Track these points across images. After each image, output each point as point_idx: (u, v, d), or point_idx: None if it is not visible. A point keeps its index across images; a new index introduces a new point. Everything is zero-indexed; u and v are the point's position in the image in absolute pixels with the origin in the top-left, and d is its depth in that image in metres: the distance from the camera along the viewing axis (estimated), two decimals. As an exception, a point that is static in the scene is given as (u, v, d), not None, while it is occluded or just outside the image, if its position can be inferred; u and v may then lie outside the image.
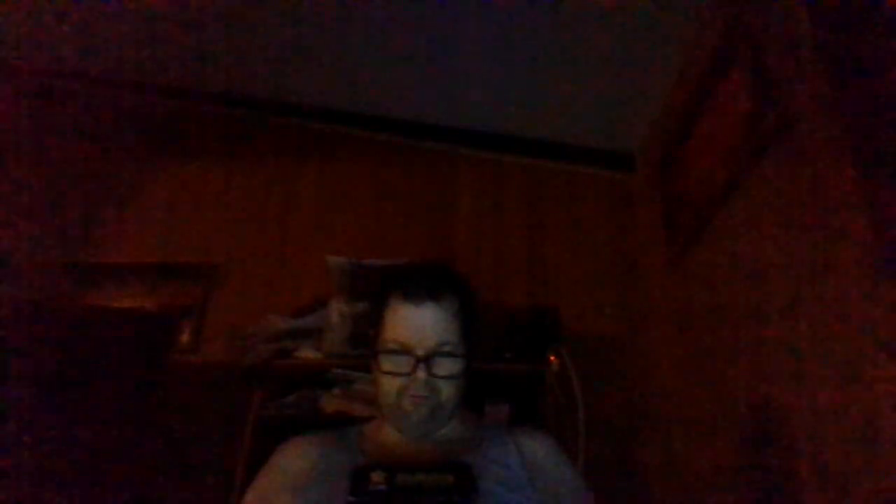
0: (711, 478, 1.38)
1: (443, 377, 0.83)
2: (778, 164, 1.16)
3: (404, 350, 0.83)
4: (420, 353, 0.83)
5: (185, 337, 2.17)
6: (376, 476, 0.66)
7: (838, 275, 0.94)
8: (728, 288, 1.37)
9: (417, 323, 0.84)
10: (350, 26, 2.01)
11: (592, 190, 2.29)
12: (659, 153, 1.91)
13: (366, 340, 0.92)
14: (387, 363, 0.84)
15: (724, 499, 1.30)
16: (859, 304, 0.89)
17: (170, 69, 2.49)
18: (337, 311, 1.76)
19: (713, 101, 1.49)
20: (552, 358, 1.71)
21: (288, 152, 2.56)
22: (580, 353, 1.75)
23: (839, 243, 0.94)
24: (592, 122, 2.15)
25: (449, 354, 0.84)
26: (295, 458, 0.87)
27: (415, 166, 2.46)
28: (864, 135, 0.91)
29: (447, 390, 0.84)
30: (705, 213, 1.49)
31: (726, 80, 1.40)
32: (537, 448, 0.87)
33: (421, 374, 0.82)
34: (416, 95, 2.31)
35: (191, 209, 2.47)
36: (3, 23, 2.33)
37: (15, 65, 2.59)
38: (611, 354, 1.99)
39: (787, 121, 1.12)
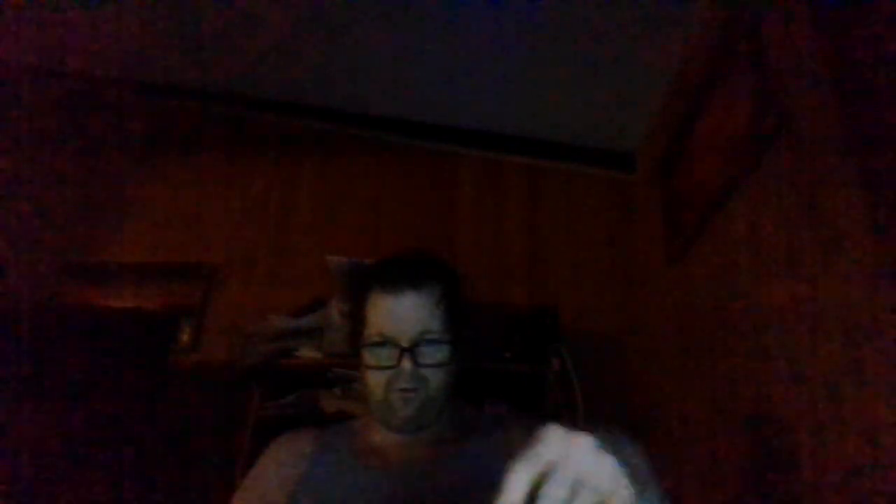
0: (711, 478, 1.38)
1: (429, 366, 0.82)
2: (778, 164, 1.16)
3: (388, 342, 0.81)
4: (404, 343, 0.81)
5: (185, 337, 2.17)
6: None
7: (838, 275, 0.94)
8: (728, 288, 1.37)
9: (399, 312, 0.82)
10: (350, 26, 2.01)
11: (592, 190, 2.29)
12: (659, 153, 1.91)
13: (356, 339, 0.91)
14: (371, 357, 0.83)
15: (724, 498, 1.30)
16: (859, 305, 0.89)
17: (170, 69, 2.49)
18: (337, 310, 1.76)
19: (713, 101, 1.49)
20: (552, 358, 1.71)
21: (288, 152, 2.56)
22: (580, 353, 1.75)
23: (839, 243, 0.94)
24: (592, 122, 2.15)
25: (434, 342, 0.82)
26: (287, 459, 0.86)
27: (415, 166, 2.46)
28: (864, 135, 0.91)
29: (435, 380, 0.83)
30: (705, 212, 1.49)
31: (726, 79, 1.40)
32: (532, 435, 0.86)
33: (406, 364, 0.80)
34: (416, 95, 2.31)
35: (191, 209, 2.47)
36: (4, 23, 2.33)
37: (15, 65, 2.59)
38: (611, 354, 1.99)
39: (787, 121, 1.12)
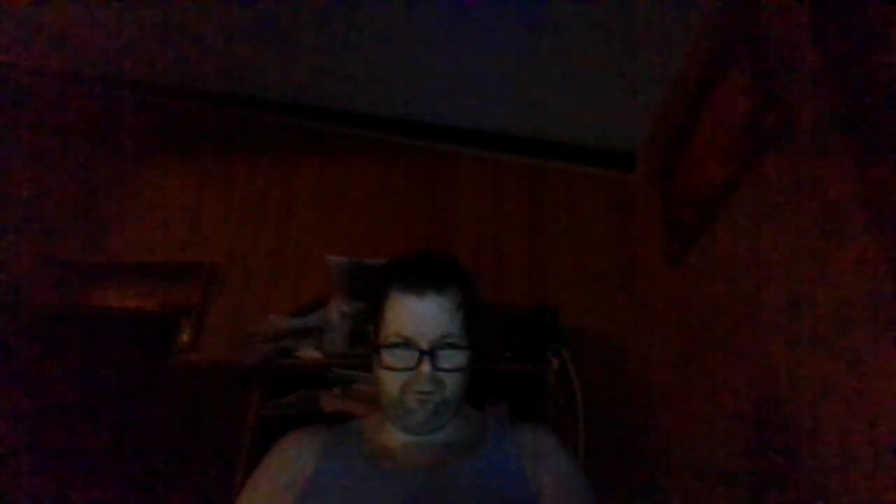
0: (711, 477, 1.38)
1: (448, 370, 0.81)
2: (778, 164, 1.16)
3: (407, 343, 0.80)
4: (424, 345, 0.80)
5: (185, 337, 2.17)
6: None
7: (838, 275, 0.94)
8: (728, 287, 1.37)
9: (420, 315, 0.81)
10: (350, 26, 2.01)
11: (592, 190, 2.29)
12: (659, 153, 1.91)
13: (366, 339, 0.90)
14: (389, 358, 0.81)
15: (724, 498, 1.30)
16: (859, 304, 0.89)
17: (170, 69, 2.49)
18: (337, 310, 1.76)
19: (713, 101, 1.49)
20: (552, 358, 1.71)
21: (288, 152, 2.57)
22: (580, 353, 1.75)
23: (839, 243, 0.94)
24: (592, 122, 2.15)
25: (453, 346, 0.81)
26: (294, 458, 0.86)
27: (415, 166, 2.46)
28: (864, 134, 0.91)
29: (452, 384, 0.82)
30: (705, 212, 1.49)
31: (726, 80, 1.40)
32: (537, 442, 0.86)
33: (425, 367, 0.79)
34: (416, 95, 2.31)
35: (191, 209, 2.47)
36: (4, 23, 2.33)
37: (15, 65, 2.59)
38: (611, 354, 1.99)
39: (787, 121, 1.12)
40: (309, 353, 1.78)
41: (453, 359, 0.82)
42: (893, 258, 0.81)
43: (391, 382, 0.82)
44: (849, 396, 0.89)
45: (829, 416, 0.94)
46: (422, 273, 0.83)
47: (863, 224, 0.88)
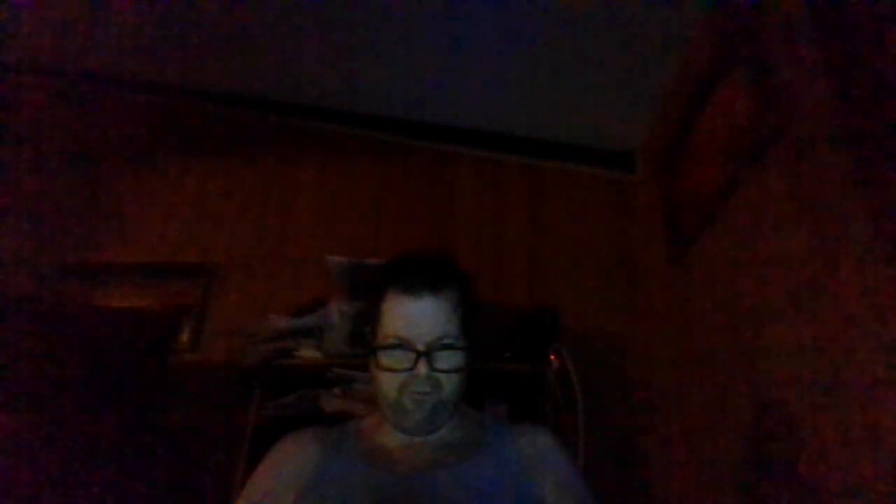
0: (712, 478, 1.38)
1: (445, 371, 0.81)
2: (778, 164, 1.16)
3: (404, 345, 0.81)
4: (420, 347, 0.80)
5: (185, 337, 2.17)
6: None
7: (838, 273, 0.94)
8: (728, 287, 1.37)
9: (417, 316, 0.81)
10: (350, 26, 2.01)
11: (592, 190, 2.29)
12: (659, 153, 1.91)
13: (365, 339, 0.90)
14: (386, 359, 0.82)
15: (724, 499, 1.30)
16: (859, 304, 0.89)
17: (170, 69, 2.49)
18: (337, 310, 1.76)
19: (713, 101, 1.49)
20: (552, 357, 1.71)
21: (288, 152, 2.57)
22: (580, 353, 1.75)
23: (839, 242, 0.94)
24: (592, 122, 2.15)
25: (450, 347, 0.82)
26: (294, 458, 0.86)
27: (415, 166, 2.46)
28: (864, 134, 0.91)
29: (449, 385, 0.82)
30: (705, 212, 1.49)
31: (726, 79, 1.40)
32: (537, 443, 0.87)
33: (422, 368, 0.80)
34: (416, 95, 2.31)
35: (191, 209, 2.47)
36: (4, 23, 2.33)
37: (15, 65, 2.59)
38: (611, 354, 1.99)
39: (787, 121, 1.12)
40: (309, 353, 1.78)
41: (450, 360, 0.82)
42: (893, 258, 0.81)
43: (388, 383, 0.82)
44: (850, 396, 0.89)
45: (830, 416, 0.94)
46: (418, 274, 0.83)
47: (863, 222, 0.88)
